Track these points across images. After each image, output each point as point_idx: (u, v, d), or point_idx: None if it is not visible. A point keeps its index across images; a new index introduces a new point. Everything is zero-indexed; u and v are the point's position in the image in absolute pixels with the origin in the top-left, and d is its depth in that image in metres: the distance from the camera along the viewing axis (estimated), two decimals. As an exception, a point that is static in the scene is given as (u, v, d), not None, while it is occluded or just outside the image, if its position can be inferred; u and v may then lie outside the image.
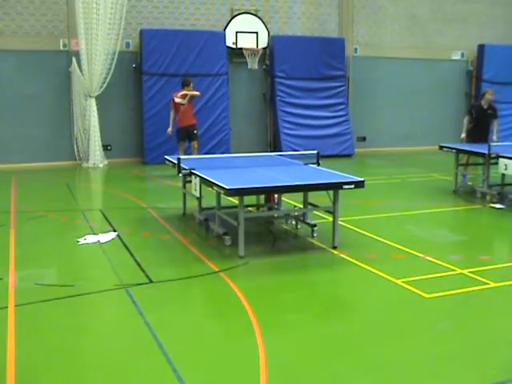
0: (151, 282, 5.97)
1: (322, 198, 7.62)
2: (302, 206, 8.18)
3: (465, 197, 10.65)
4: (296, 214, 8.27)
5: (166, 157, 9.07)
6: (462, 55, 18.69)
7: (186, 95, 12.75)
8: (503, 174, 10.40)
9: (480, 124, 11.69)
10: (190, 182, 7.99)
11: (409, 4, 17.98)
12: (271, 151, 15.39)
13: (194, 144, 12.97)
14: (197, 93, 13.04)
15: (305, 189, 7.47)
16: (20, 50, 14.20)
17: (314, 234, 7.74)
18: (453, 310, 5.38)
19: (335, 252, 7.06)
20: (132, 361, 4.26)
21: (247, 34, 15.78)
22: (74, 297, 5.55)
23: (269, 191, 7.91)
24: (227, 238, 7.32)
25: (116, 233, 7.86)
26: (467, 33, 18.65)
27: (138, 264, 6.48)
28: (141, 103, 15.02)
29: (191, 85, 12.88)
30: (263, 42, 15.97)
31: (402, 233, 8.07)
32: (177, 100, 12.82)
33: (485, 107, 11.78)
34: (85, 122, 14.47)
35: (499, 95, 18.05)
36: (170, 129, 12.89)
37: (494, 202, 9.87)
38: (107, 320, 5.20)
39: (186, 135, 12.89)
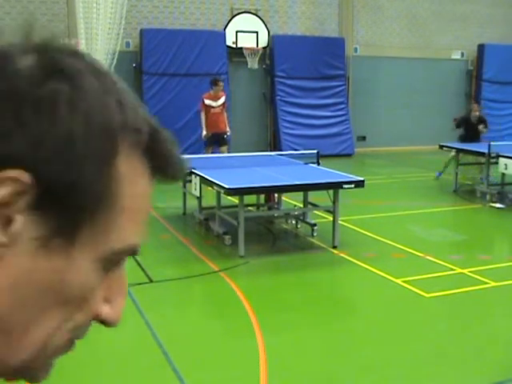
0: (151, 281, 5.96)
1: (322, 198, 7.63)
2: (302, 206, 8.19)
3: (465, 196, 10.65)
4: (296, 213, 8.27)
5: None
6: (462, 55, 18.69)
7: (223, 103, 11.97)
8: (503, 174, 10.39)
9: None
10: (190, 181, 8.00)
11: (409, 4, 17.98)
12: (271, 151, 15.38)
13: (224, 149, 11.98)
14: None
15: (305, 188, 7.47)
16: (20, 50, 14.20)
17: (314, 234, 7.74)
18: (453, 309, 5.38)
19: (335, 251, 7.06)
20: (132, 360, 4.26)
21: (247, 33, 15.77)
22: (74, 296, 5.54)
23: (269, 191, 7.91)
24: (227, 237, 7.32)
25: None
26: (467, 32, 18.65)
27: (138, 263, 6.45)
28: (141, 103, 14.99)
29: (219, 84, 11.90)
30: (263, 41, 15.96)
31: (402, 232, 8.07)
32: (207, 102, 11.85)
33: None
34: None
35: (499, 95, 18.12)
36: (204, 132, 11.81)
37: (494, 202, 9.86)
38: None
39: (214, 140, 11.99)
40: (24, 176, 0.51)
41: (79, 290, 0.56)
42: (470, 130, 12.18)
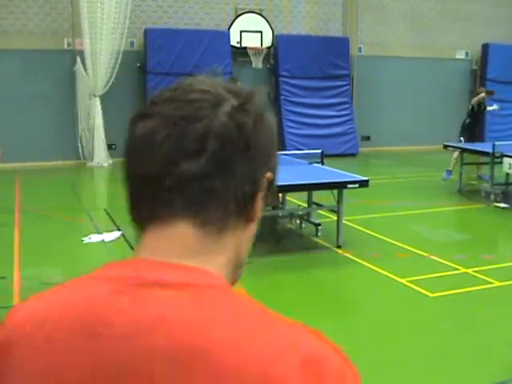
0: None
1: (326, 198, 7.63)
2: (306, 206, 8.19)
3: (469, 196, 10.63)
4: (300, 213, 8.27)
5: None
6: (467, 54, 18.67)
7: None
8: (507, 173, 10.37)
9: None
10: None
11: (413, 3, 17.96)
12: (275, 150, 15.37)
13: None
14: None
15: (309, 188, 7.48)
16: (24, 50, 14.21)
17: (319, 233, 7.74)
18: (457, 309, 5.38)
19: (339, 251, 7.07)
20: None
21: (251, 33, 15.78)
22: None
23: (273, 190, 7.90)
24: (231, 237, 7.31)
25: (120, 232, 7.87)
26: (471, 32, 18.62)
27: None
28: (145, 102, 14.97)
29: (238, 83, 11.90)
30: (267, 41, 15.97)
31: (407, 232, 8.07)
32: None
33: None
34: (89, 122, 14.50)
35: (503, 95, 18.08)
36: None
37: (498, 202, 9.85)
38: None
39: None
40: (271, 177, 0.93)
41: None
42: (479, 115, 12.07)
